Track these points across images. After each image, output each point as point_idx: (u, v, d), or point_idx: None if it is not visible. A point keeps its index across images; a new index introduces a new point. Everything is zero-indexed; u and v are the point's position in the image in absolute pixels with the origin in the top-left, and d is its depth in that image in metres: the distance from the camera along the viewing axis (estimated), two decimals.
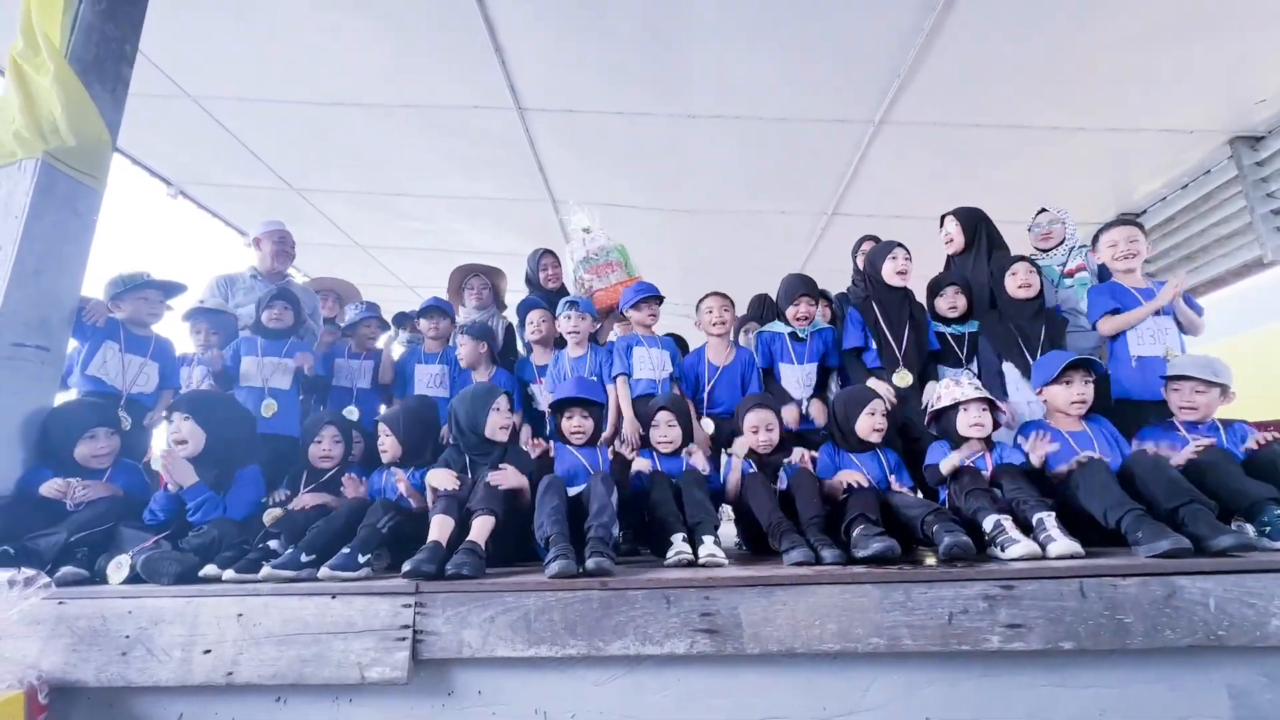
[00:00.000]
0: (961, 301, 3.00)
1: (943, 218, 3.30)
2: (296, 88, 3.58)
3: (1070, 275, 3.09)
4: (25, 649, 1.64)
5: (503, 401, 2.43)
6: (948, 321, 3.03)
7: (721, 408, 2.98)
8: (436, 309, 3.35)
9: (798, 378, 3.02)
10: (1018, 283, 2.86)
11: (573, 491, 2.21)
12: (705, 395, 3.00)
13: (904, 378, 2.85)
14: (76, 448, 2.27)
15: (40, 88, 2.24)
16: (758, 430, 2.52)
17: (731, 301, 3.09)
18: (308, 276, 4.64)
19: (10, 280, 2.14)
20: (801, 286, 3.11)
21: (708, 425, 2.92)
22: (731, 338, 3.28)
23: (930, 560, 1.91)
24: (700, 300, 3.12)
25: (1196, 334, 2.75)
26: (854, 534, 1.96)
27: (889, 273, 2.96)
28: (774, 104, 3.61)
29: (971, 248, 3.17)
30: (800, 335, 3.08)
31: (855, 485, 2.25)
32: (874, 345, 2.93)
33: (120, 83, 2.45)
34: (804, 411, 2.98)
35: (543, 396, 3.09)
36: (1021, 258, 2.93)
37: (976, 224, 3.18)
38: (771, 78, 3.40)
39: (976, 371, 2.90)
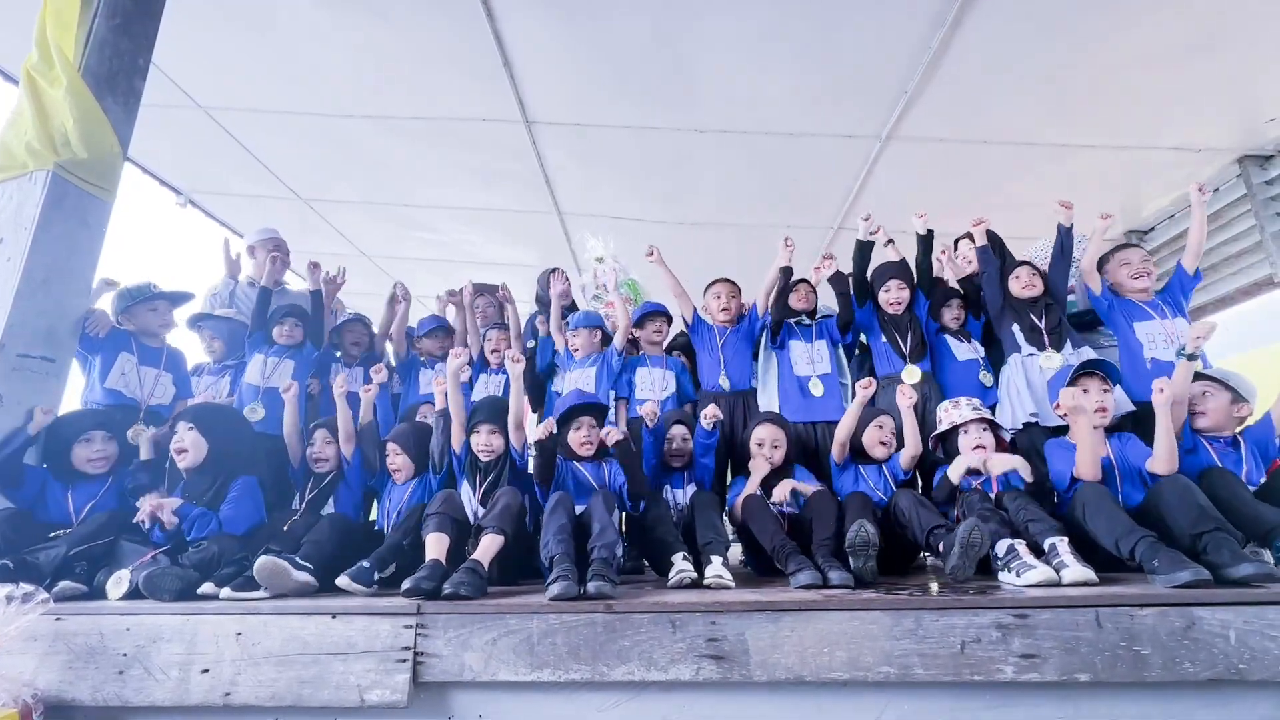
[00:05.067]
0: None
1: (957, 241, 3.32)
2: (306, 99, 3.60)
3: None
4: (21, 666, 1.61)
5: None
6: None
7: (730, 374, 3.08)
8: (442, 329, 3.55)
9: (808, 355, 3.10)
10: (1021, 285, 2.93)
11: (577, 510, 2.18)
12: (719, 355, 3.11)
13: (912, 374, 2.93)
14: (73, 451, 2.26)
15: (53, 100, 2.25)
16: (763, 444, 2.51)
17: (739, 289, 3.22)
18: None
19: (18, 291, 2.14)
20: (797, 279, 3.25)
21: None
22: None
23: (935, 585, 1.87)
24: (709, 286, 3.26)
25: None
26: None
27: (884, 303, 3.10)
28: (781, 118, 3.61)
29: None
30: (806, 323, 3.20)
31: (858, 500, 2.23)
32: (884, 339, 3.05)
33: (133, 95, 2.47)
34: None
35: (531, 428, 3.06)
36: (1024, 262, 2.99)
37: (1000, 245, 3.22)
38: (779, 92, 3.41)
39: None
